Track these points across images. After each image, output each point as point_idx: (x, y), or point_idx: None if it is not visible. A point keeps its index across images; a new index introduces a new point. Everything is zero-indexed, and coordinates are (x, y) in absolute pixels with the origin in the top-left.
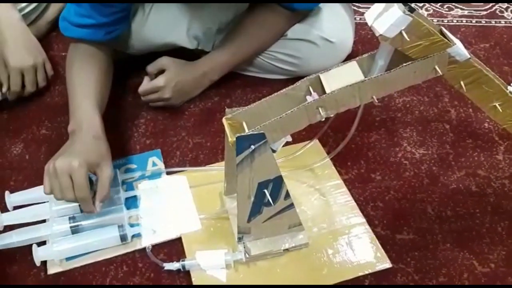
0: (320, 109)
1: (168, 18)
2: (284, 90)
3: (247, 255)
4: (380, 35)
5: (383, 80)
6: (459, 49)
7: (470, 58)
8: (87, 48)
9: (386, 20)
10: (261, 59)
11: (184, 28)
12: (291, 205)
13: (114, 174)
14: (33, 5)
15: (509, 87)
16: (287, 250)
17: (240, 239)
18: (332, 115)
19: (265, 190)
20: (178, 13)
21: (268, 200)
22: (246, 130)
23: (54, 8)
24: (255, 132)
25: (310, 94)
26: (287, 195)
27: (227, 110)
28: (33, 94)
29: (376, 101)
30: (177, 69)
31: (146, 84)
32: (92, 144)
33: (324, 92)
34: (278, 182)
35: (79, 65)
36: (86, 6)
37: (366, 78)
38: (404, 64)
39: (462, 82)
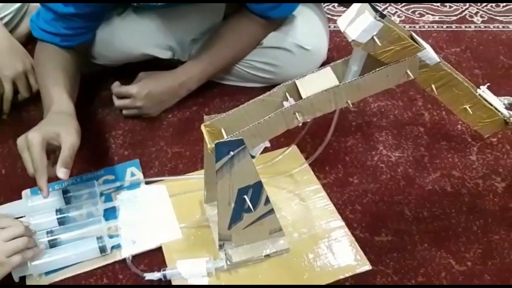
0: (297, 114)
1: (140, 28)
2: (261, 96)
3: (228, 262)
4: (353, 40)
5: (357, 85)
6: (429, 53)
7: (440, 62)
8: (52, 46)
9: (358, 26)
10: (238, 68)
11: (158, 38)
12: (271, 211)
13: (93, 186)
14: (7, 18)
15: (478, 90)
16: (268, 256)
17: (221, 246)
18: (309, 120)
19: (245, 196)
20: (151, 23)
21: (249, 206)
22: (225, 137)
23: (29, 20)
24: (234, 138)
25: (287, 99)
26: (267, 201)
27: (205, 117)
28: (27, 100)
29: (351, 105)
30: (151, 79)
31: (118, 86)
32: (52, 117)
33: (300, 97)
34: (258, 188)
35: (44, 60)
36: (50, 15)
37: (340, 83)
38: (377, 69)
39: (433, 86)
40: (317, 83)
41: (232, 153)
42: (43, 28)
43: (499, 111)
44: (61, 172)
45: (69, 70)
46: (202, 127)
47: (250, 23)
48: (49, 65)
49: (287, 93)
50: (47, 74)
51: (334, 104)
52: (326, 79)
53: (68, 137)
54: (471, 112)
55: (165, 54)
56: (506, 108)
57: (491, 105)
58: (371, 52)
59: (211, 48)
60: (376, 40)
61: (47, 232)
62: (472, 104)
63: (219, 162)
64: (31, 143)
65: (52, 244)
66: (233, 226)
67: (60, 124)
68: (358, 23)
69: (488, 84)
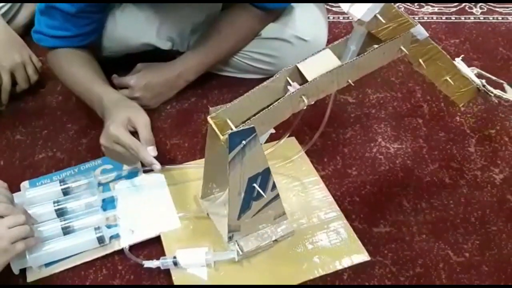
0: (303, 97)
1: (140, 19)
2: (264, 83)
3: (240, 253)
4: (358, 19)
5: (358, 64)
6: (420, 29)
7: (428, 36)
8: (66, 50)
9: (362, 6)
10: (237, 59)
11: (156, 29)
12: (277, 196)
13: (91, 176)
14: (4, 9)
15: (456, 59)
16: (276, 241)
17: (230, 238)
18: (312, 102)
19: (255, 184)
20: (150, 14)
21: (257, 194)
22: (233, 127)
23: (26, 11)
24: (246, 127)
25: (289, 84)
26: (274, 186)
27: (211, 109)
28: (25, 91)
29: (352, 83)
30: (149, 71)
31: (117, 78)
32: (112, 108)
33: (302, 81)
34: (266, 175)
35: (68, 65)
36: (59, 19)
37: (343, 64)
38: (375, 46)
39: (420, 60)
40: (319, 65)
41: (244, 142)
42: (54, 35)
43: (473, 80)
44: (150, 150)
45: (95, 64)
46: (209, 119)
47: (248, 14)
48: (76, 68)
49: (288, 78)
50: (79, 77)
51: (337, 84)
52: (327, 60)
53: (139, 117)
54: (452, 83)
55: (165, 45)
56: (483, 86)
57: (467, 75)
58: (372, 30)
59: (208, 39)
60: (379, 17)
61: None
62: (452, 75)
63: (232, 152)
64: (116, 136)
65: (65, 232)
66: (242, 216)
67: (124, 110)
68: (362, 3)
69: (462, 55)
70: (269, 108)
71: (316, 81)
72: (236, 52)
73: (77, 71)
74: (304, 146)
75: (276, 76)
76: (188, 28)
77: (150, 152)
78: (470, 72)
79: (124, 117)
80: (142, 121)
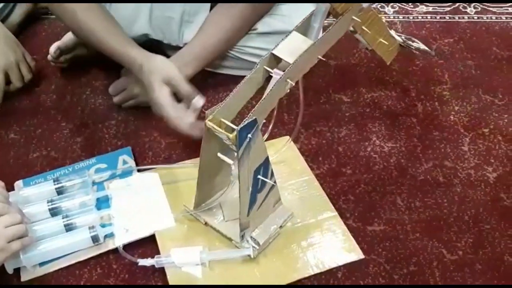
0: (288, 80)
1: (128, 9)
2: (247, 76)
3: (256, 248)
4: None
5: (326, 39)
6: None
7: (370, 4)
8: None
9: None
10: (233, 54)
11: (146, 17)
12: (275, 182)
13: (85, 175)
14: (2, 3)
15: (391, 31)
16: (281, 227)
17: (242, 237)
18: (294, 84)
19: (259, 176)
20: (137, 6)
21: (262, 183)
22: (231, 125)
23: (20, 10)
24: (249, 120)
25: (268, 73)
26: (272, 174)
27: (207, 112)
28: (19, 90)
29: (324, 59)
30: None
31: (115, 82)
32: (153, 74)
33: (280, 66)
34: (267, 163)
35: (82, 11)
36: None
37: (314, 42)
38: (336, 20)
39: (363, 27)
40: (294, 47)
41: (249, 135)
42: None
43: (395, 38)
44: (197, 100)
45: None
46: (208, 122)
47: (241, 6)
48: (93, 16)
49: (266, 67)
50: (99, 30)
51: (310, 62)
52: (298, 41)
53: (174, 71)
54: (385, 43)
55: (156, 35)
56: (404, 42)
57: (392, 34)
58: (336, 2)
59: (203, 32)
60: None
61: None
62: (384, 36)
63: (241, 149)
64: (161, 104)
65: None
66: (251, 212)
67: (160, 69)
68: None
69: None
70: (264, 98)
71: (297, 63)
72: (232, 45)
73: (95, 20)
74: (298, 145)
75: (256, 66)
76: (177, 17)
77: (198, 102)
78: (393, 33)
79: (163, 79)
80: (178, 75)
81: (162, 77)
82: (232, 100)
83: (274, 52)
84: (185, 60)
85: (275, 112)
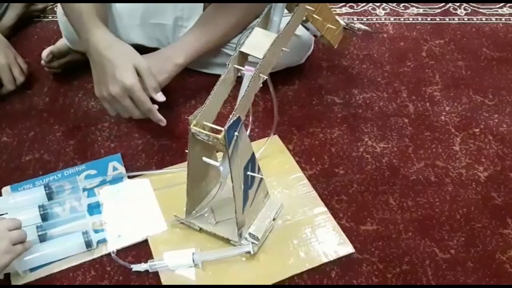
0: (261, 75)
1: (122, 21)
2: (221, 76)
3: (255, 244)
4: None
5: (288, 31)
6: None
7: None
8: None
9: None
10: (227, 53)
11: (139, 28)
12: (262, 176)
13: (75, 181)
14: None
15: (341, 21)
16: (274, 219)
17: (240, 235)
18: (265, 77)
19: (248, 172)
20: (132, 9)
21: (251, 179)
22: (214, 126)
23: (12, 13)
24: (234, 118)
25: (239, 72)
26: (259, 168)
27: (190, 118)
28: (11, 93)
29: (288, 50)
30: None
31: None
32: (115, 53)
33: (248, 63)
34: (253, 159)
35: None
36: None
37: (279, 34)
38: (293, 12)
39: (314, 15)
40: (259, 42)
41: (236, 133)
42: None
43: (340, 22)
44: (159, 97)
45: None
46: (194, 128)
47: (238, 6)
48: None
49: (235, 65)
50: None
51: (277, 55)
52: (262, 36)
53: (141, 62)
54: (334, 27)
55: (151, 43)
56: (347, 25)
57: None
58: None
59: (199, 24)
60: None
61: (37, 227)
62: (331, 21)
63: (230, 148)
64: (131, 89)
65: (42, 239)
66: (245, 209)
67: (127, 57)
68: None
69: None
70: (243, 95)
71: (267, 57)
72: (227, 41)
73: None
74: (291, 146)
75: (228, 66)
76: (170, 24)
77: (159, 98)
78: (337, 17)
79: (131, 67)
80: (146, 67)
81: (132, 63)
82: (211, 102)
83: (243, 49)
84: (176, 48)
85: (250, 109)
